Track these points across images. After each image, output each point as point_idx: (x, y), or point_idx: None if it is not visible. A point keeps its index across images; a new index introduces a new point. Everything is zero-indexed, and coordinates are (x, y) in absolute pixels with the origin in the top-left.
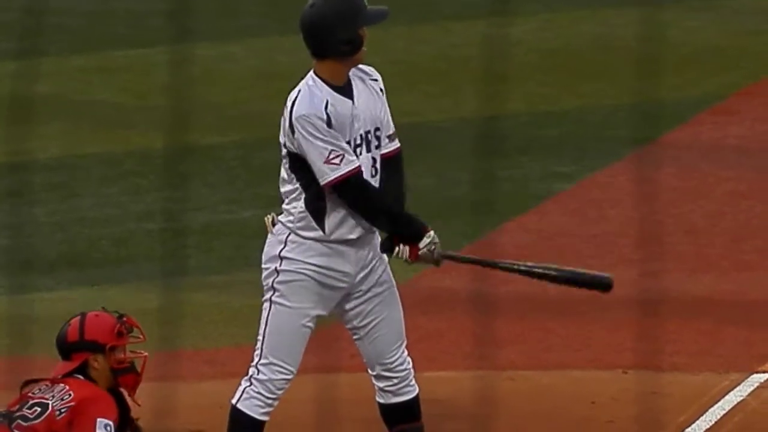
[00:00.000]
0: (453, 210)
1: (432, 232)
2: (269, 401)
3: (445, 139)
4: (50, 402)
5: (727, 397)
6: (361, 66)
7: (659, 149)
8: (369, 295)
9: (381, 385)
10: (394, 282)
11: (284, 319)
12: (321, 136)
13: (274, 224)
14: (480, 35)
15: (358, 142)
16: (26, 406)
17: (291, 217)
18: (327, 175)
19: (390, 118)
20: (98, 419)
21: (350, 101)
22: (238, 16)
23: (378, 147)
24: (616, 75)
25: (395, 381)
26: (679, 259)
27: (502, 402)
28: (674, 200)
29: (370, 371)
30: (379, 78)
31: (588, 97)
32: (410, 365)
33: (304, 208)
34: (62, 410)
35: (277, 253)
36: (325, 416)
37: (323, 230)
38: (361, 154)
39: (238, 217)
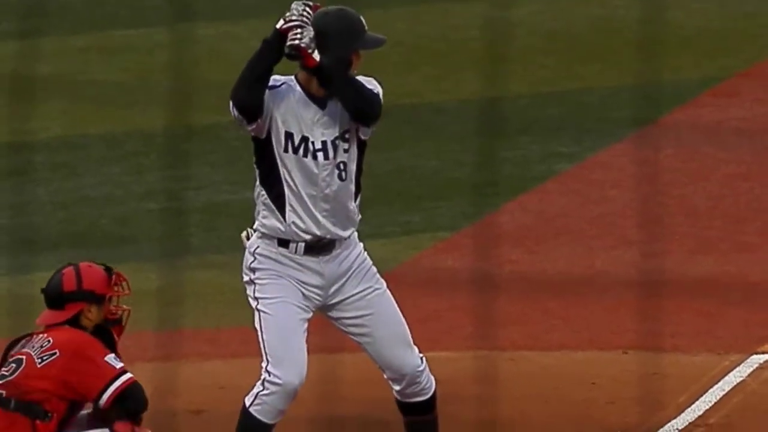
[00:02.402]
0: (454, 191)
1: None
2: (280, 408)
3: (446, 120)
4: (27, 354)
5: (726, 377)
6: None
7: (660, 131)
8: (349, 304)
9: (395, 387)
10: (382, 286)
11: (275, 315)
12: None
13: (248, 238)
14: (481, 17)
15: (318, 147)
16: (4, 366)
17: (258, 225)
18: None
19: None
20: (105, 357)
21: (319, 109)
22: None
23: (347, 150)
24: (617, 56)
25: (405, 384)
26: (680, 241)
27: (502, 383)
28: (675, 182)
29: (384, 375)
30: (374, 88)
31: (589, 78)
32: (422, 368)
33: (264, 207)
34: (44, 357)
35: (249, 264)
36: (328, 396)
37: (283, 218)
38: (327, 159)
39: (240, 197)
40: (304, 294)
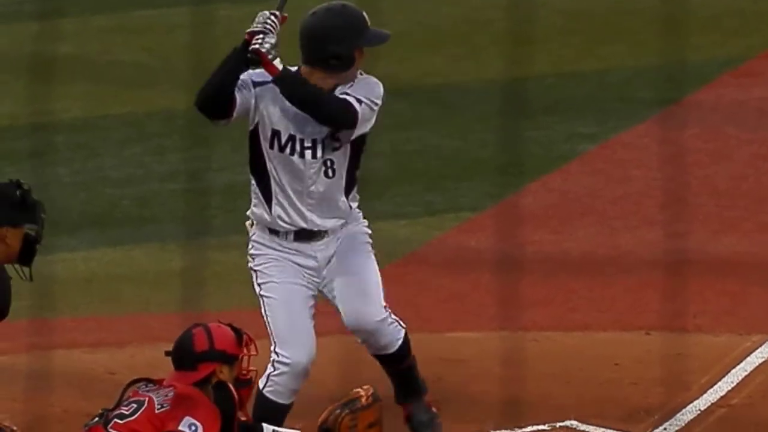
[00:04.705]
0: (478, 171)
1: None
2: (293, 387)
3: (470, 100)
4: (149, 398)
5: (749, 358)
6: (367, 76)
7: (683, 111)
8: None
9: (363, 343)
10: (365, 247)
11: (278, 297)
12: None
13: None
14: None
15: (308, 144)
16: (124, 404)
17: (249, 212)
18: None
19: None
20: (186, 417)
21: None
22: None
23: (337, 149)
24: (640, 36)
25: (369, 337)
26: (703, 221)
27: (526, 363)
28: (698, 162)
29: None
30: (378, 89)
31: (612, 58)
32: (381, 318)
33: (254, 195)
34: (164, 405)
35: (249, 251)
36: (348, 377)
37: (269, 209)
38: (315, 157)
39: None
40: (303, 275)
